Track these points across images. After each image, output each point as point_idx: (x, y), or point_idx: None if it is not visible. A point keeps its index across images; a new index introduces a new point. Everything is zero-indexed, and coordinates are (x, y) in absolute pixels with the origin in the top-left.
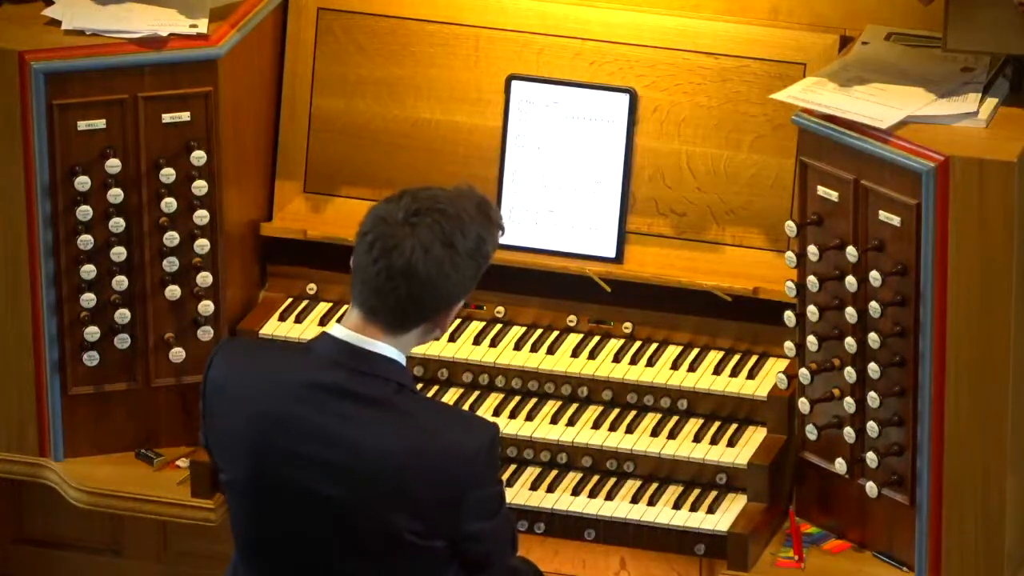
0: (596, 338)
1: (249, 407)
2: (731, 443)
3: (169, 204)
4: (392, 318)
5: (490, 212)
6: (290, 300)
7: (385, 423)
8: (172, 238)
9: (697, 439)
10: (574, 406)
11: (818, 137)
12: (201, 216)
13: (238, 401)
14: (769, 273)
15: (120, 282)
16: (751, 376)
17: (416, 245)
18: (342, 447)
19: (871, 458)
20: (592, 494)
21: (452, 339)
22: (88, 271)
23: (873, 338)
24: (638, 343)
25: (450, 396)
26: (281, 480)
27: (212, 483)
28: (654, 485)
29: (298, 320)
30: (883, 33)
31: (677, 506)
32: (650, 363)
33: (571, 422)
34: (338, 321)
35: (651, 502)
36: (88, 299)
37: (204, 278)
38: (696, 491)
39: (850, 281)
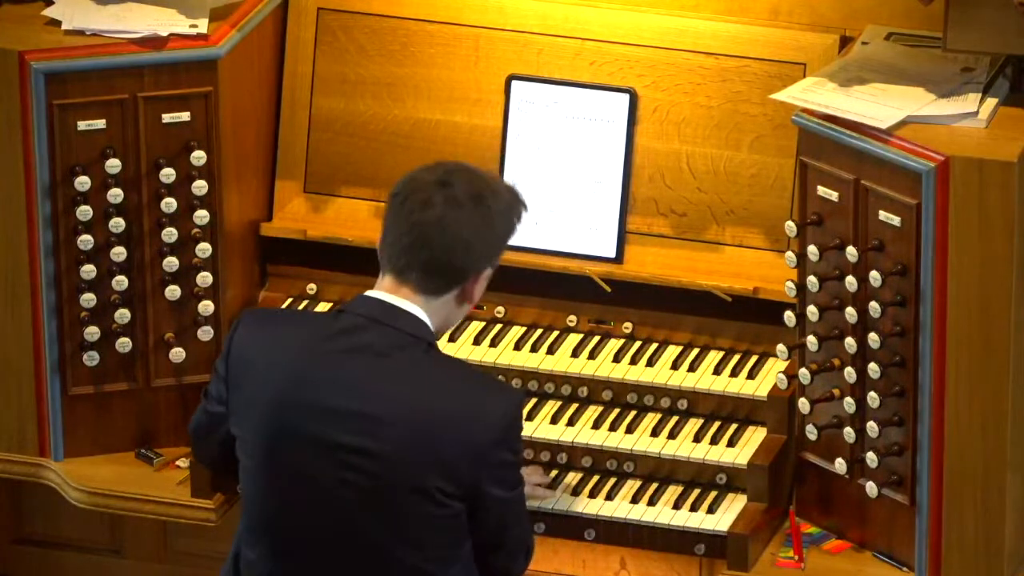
0: (596, 338)
1: (280, 370)
2: (731, 443)
3: (169, 204)
4: (422, 277)
5: (514, 188)
6: (290, 300)
7: (416, 377)
8: (172, 238)
9: (697, 439)
10: (574, 406)
11: (818, 137)
12: (201, 216)
13: (268, 367)
14: (769, 273)
15: (120, 282)
16: (751, 376)
17: (448, 200)
18: (372, 400)
19: (871, 458)
20: (592, 494)
21: (452, 339)
22: (88, 271)
23: (873, 338)
24: (638, 343)
25: None
26: (313, 436)
27: (212, 483)
28: (654, 485)
29: None
30: (883, 33)
31: (677, 506)
32: (650, 363)
33: (571, 422)
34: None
35: (651, 502)
36: (88, 299)
37: (204, 278)
38: (696, 491)
39: (850, 281)
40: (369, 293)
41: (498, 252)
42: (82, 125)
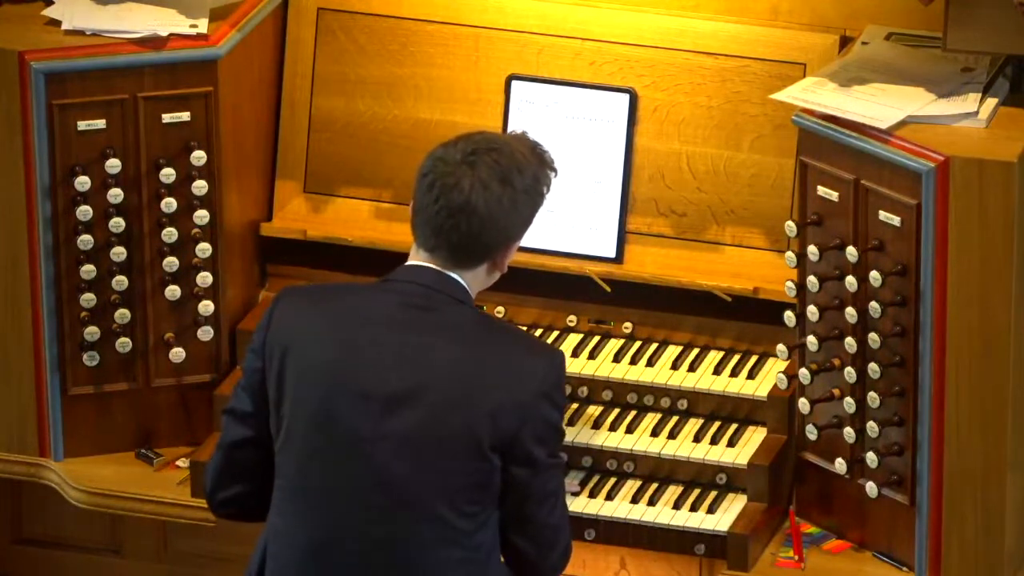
0: (596, 338)
1: (327, 335)
2: (731, 443)
3: (169, 204)
4: (453, 256)
5: (544, 154)
6: None
7: (464, 331)
8: (172, 238)
9: (697, 439)
10: (574, 406)
11: (818, 137)
12: (201, 216)
13: (313, 332)
14: (769, 273)
15: (120, 282)
16: (751, 376)
17: (475, 183)
18: (423, 350)
19: (871, 458)
20: (592, 494)
21: None
22: (88, 271)
23: (873, 338)
24: (638, 343)
25: None
26: (362, 391)
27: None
28: (654, 485)
29: None
30: (883, 33)
31: (677, 506)
32: (650, 363)
33: (571, 422)
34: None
35: (651, 502)
36: (88, 299)
37: (204, 278)
38: (696, 491)
39: (850, 281)
40: (411, 263)
41: (527, 225)
42: (82, 125)
